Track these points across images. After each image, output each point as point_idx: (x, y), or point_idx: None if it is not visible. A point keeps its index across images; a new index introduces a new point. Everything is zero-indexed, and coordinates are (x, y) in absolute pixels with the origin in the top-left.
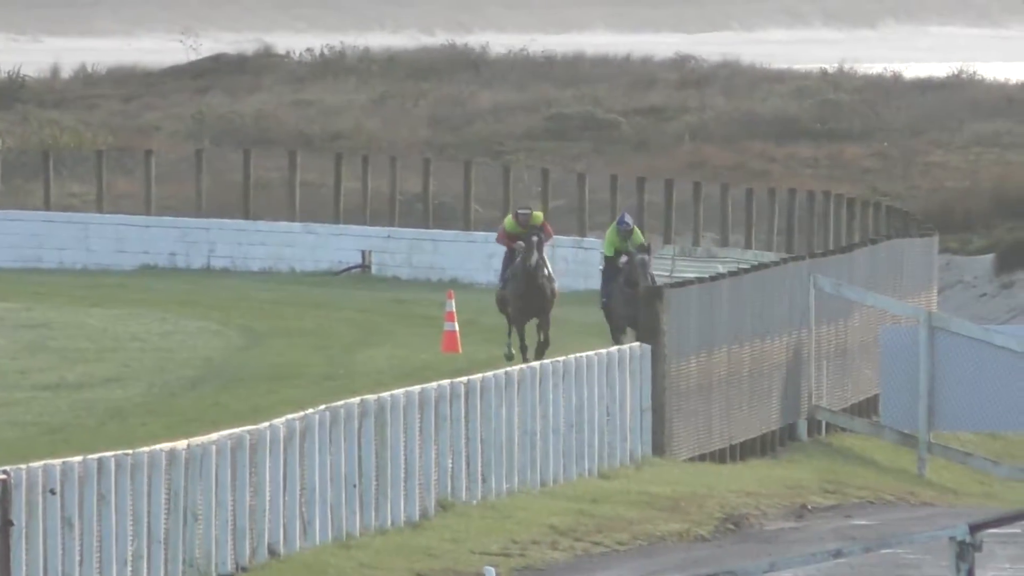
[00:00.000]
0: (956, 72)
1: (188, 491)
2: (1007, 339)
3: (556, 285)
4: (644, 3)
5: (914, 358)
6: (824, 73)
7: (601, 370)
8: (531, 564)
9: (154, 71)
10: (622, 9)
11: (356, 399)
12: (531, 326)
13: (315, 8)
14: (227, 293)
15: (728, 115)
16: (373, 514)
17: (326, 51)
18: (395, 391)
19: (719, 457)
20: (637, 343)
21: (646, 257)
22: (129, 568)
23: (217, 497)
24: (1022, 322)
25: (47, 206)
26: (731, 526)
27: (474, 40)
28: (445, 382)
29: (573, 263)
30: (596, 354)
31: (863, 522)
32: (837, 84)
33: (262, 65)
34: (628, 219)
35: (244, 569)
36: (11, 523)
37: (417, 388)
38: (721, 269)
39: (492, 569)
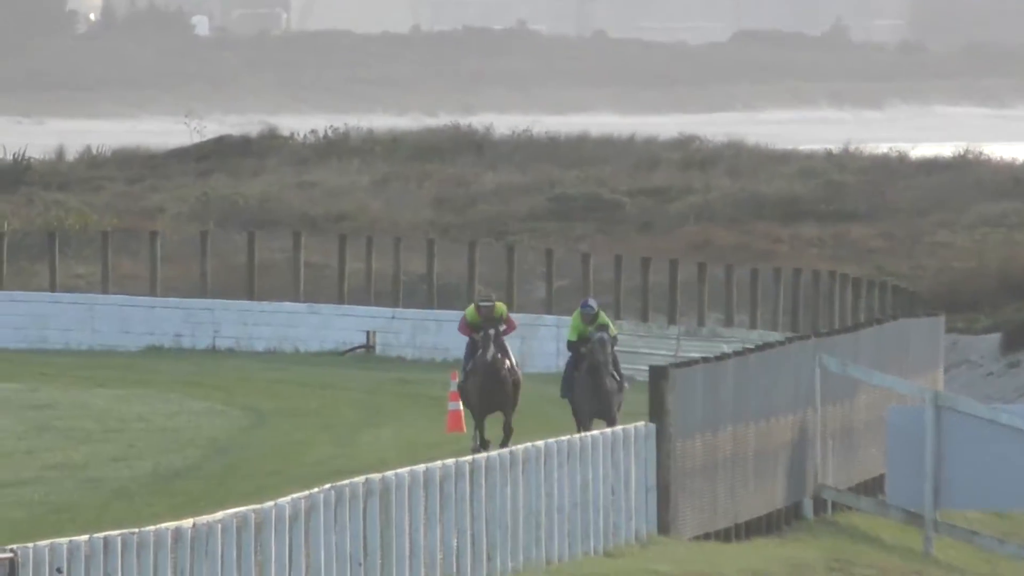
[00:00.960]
0: (962, 152)
1: (194, 570)
2: (1013, 418)
3: (520, 374)
4: (648, 84)
5: (920, 437)
6: (829, 153)
7: (606, 449)
8: None
9: (158, 153)
10: (625, 90)
11: (361, 478)
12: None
13: (318, 90)
14: (232, 373)
15: (733, 195)
16: None
17: (330, 132)
18: (400, 470)
19: (724, 536)
20: (642, 423)
21: (604, 335)
22: None
23: None
24: None
25: (52, 287)
26: None
27: (477, 121)
28: (450, 461)
29: None
30: (601, 433)
31: None
32: (842, 164)
33: (266, 147)
34: (592, 303)
35: None
36: None
37: (422, 467)
38: (726, 349)
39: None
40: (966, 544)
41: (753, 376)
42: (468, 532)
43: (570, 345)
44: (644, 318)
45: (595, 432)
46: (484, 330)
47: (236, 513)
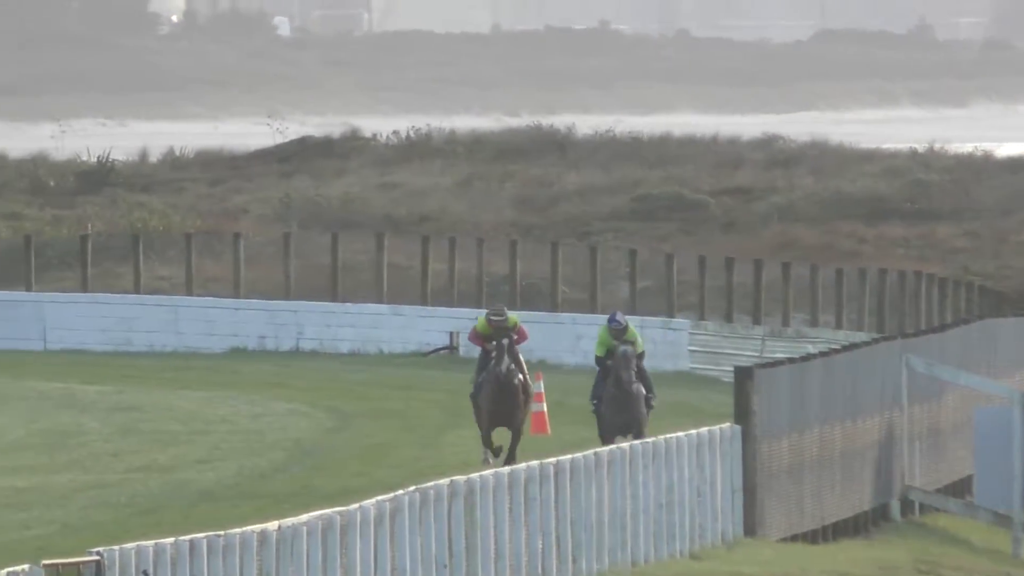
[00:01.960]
0: None
1: (279, 573)
2: None
3: (532, 387)
4: (730, 84)
5: (1009, 437)
6: (914, 152)
7: (692, 451)
8: None
9: (241, 154)
10: (708, 90)
11: (446, 480)
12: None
13: (400, 91)
14: (316, 375)
15: (817, 195)
16: None
17: (412, 134)
18: (484, 472)
19: (811, 538)
20: (728, 424)
21: (629, 349)
22: None
23: None
24: None
25: (137, 289)
26: None
27: (560, 121)
28: (534, 463)
29: (661, 344)
30: (687, 435)
31: None
32: (927, 164)
33: (348, 148)
34: (620, 317)
35: None
36: None
37: (507, 469)
38: (812, 349)
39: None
40: None
41: (839, 377)
42: (553, 534)
43: (598, 360)
44: (728, 319)
45: (680, 434)
46: (498, 340)
47: (321, 515)
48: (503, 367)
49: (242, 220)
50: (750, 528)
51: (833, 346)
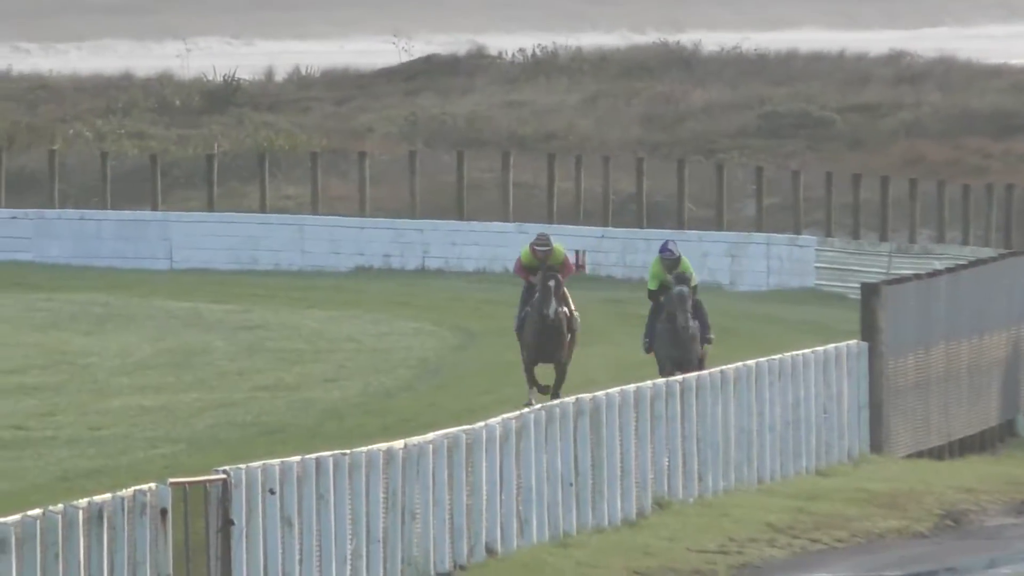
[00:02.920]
0: None
1: (405, 490)
2: None
3: (579, 323)
4: (857, 0)
5: None
6: None
7: (818, 368)
8: (749, 561)
9: (366, 73)
10: (835, 6)
11: (571, 398)
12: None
13: (526, 8)
14: (441, 294)
15: (944, 111)
16: (590, 513)
17: (538, 51)
18: (610, 390)
19: (937, 454)
20: (854, 340)
21: (684, 289)
22: (348, 567)
23: (434, 496)
24: None
25: (263, 208)
26: (950, 523)
27: (686, 38)
28: (660, 381)
29: (787, 261)
30: (812, 352)
31: None
32: None
33: (474, 66)
34: (672, 247)
35: (463, 567)
36: (232, 523)
37: (632, 387)
38: (938, 265)
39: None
40: None
41: (966, 293)
42: (679, 452)
43: (650, 294)
44: (855, 235)
45: (806, 351)
46: (543, 279)
47: (447, 434)
48: (550, 311)
49: (367, 139)
50: (876, 445)
51: (959, 262)
